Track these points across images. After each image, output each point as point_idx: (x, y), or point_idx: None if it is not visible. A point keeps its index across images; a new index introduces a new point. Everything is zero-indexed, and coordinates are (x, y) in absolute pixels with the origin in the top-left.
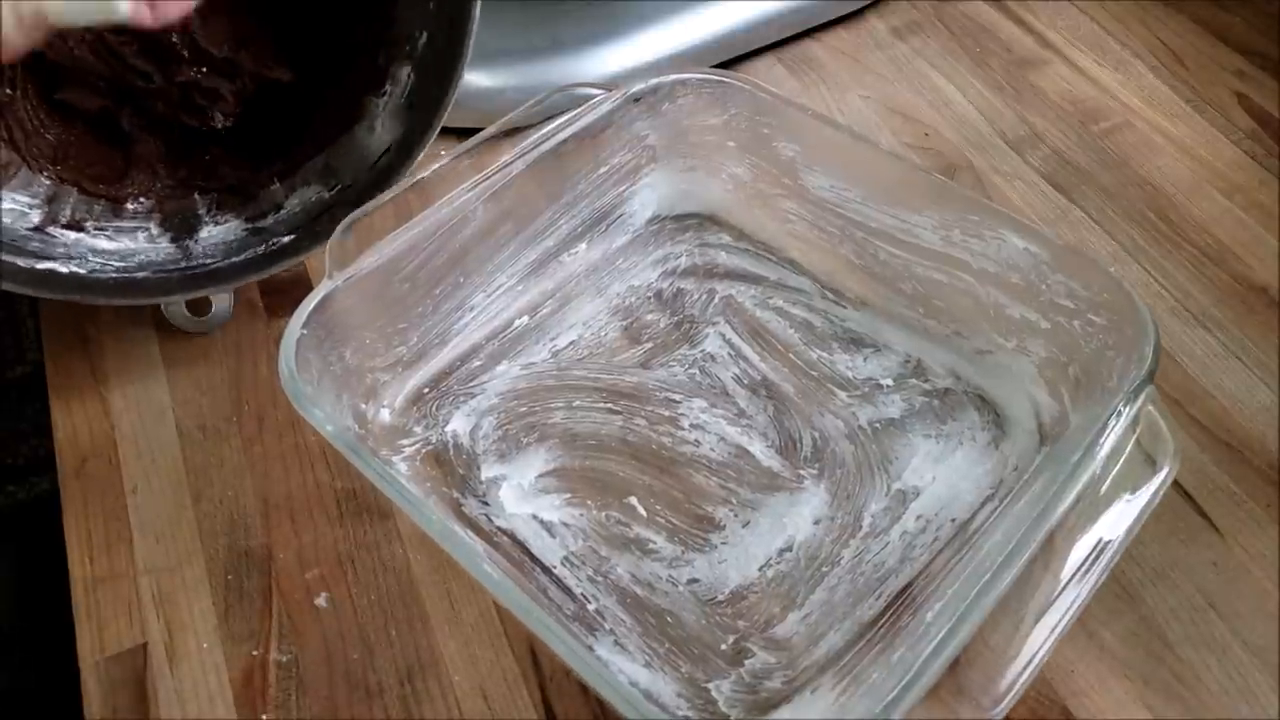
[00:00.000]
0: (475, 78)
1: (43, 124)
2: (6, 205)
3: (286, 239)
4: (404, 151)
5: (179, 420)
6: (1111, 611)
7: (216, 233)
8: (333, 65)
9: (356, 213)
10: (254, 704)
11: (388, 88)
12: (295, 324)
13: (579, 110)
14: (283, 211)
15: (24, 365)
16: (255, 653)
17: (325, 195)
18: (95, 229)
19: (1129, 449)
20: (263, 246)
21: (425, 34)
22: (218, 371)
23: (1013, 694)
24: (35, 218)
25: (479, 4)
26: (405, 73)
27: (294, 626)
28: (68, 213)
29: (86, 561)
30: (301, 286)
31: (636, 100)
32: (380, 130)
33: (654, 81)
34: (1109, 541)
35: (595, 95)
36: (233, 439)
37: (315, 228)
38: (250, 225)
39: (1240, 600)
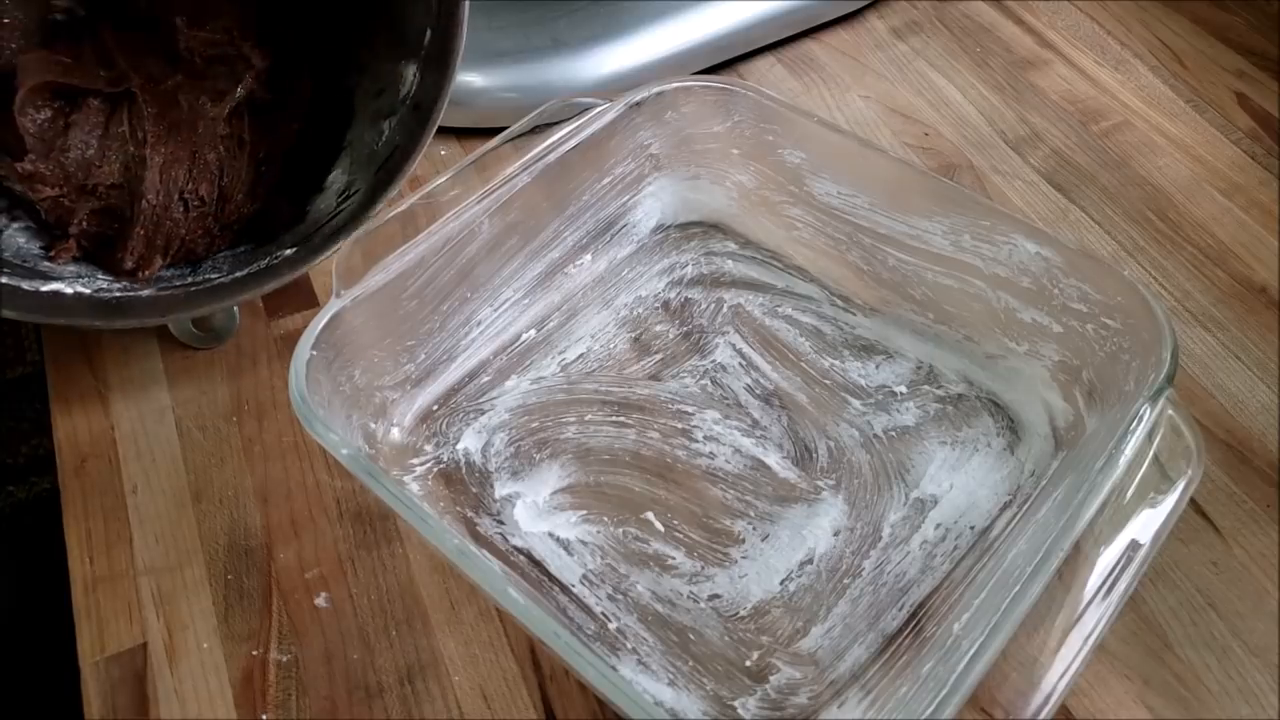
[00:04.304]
0: (475, 78)
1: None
2: (28, 224)
3: (289, 251)
4: (403, 154)
5: (179, 420)
6: None
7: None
8: (336, 69)
9: (363, 229)
10: (254, 704)
11: (399, 88)
12: (304, 345)
13: (583, 120)
14: None
15: (24, 365)
16: (255, 653)
17: (330, 204)
18: None
19: (1151, 453)
20: (265, 260)
21: (429, 30)
22: (218, 371)
23: (1049, 707)
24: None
25: None
26: (412, 71)
27: (294, 626)
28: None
29: (86, 561)
30: (300, 286)
31: (638, 107)
32: (389, 132)
33: (656, 89)
34: (1140, 546)
35: (599, 105)
36: (233, 439)
37: (316, 239)
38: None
39: (1240, 600)
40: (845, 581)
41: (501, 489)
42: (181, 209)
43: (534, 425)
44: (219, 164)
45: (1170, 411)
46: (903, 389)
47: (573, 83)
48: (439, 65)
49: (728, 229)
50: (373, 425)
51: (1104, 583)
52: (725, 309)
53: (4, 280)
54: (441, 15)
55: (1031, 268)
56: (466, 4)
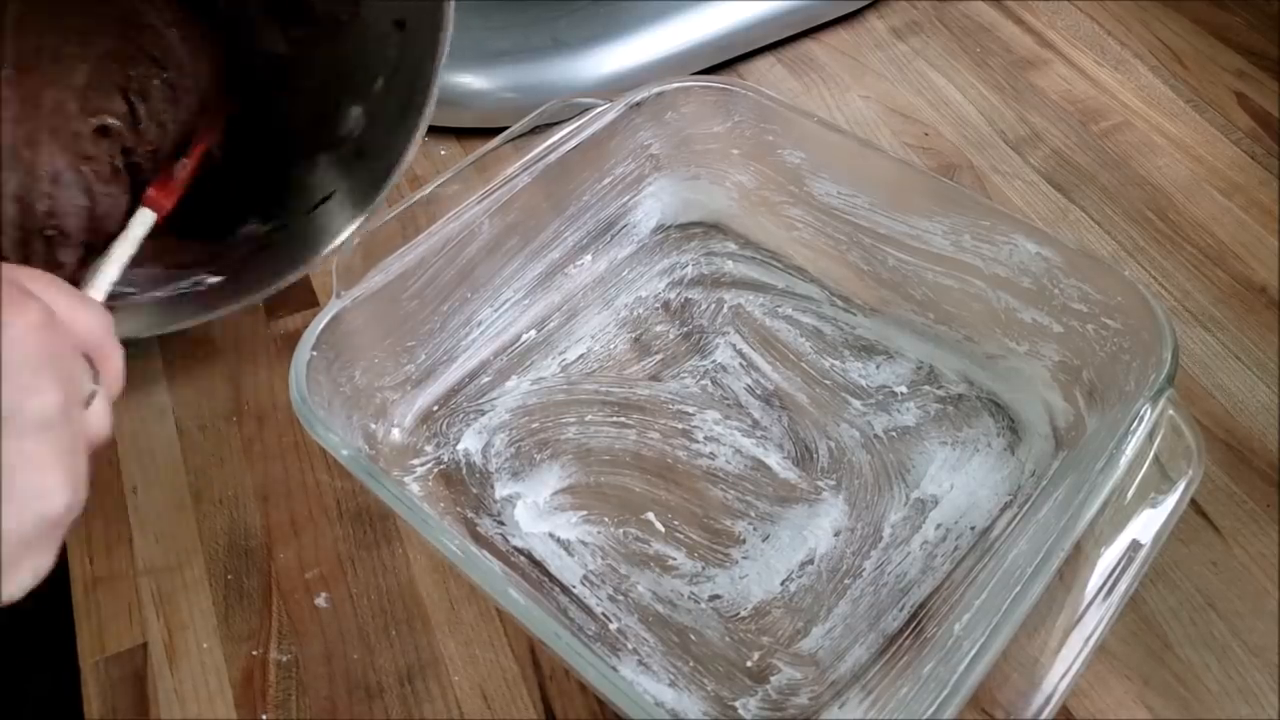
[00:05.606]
0: (474, 79)
1: None
2: None
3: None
4: (389, 164)
5: (179, 420)
6: None
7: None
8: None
9: (365, 229)
10: (254, 704)
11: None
12: (305, 346)
13: (583, 120)
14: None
15: None
16: (255, 653)
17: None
18: None
19: (1151, 454)
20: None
21: (383, 80)
22: (218, 371)
23: (1050, 707)
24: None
25: (444, 54)
26: (356, 114)
27: (294, 626)
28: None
29: (86, 561)
30: (300, 285)
31: (638, 107)
32: (322, 171)
33: (656, 89)
34: (1141, 546)
35: (599, 105)
36: (233, 439)
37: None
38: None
39: (1240, 600)
40: (846, 582)
41: (502, 489)
42: (42, 244)
43: (534, 426)
44: (84, 186)
45: (1170, 411)
46: (903, 389)
47: (573, 83)
48: (399, 120)
49: (728, 229)
50: (373, 426)
51: (1105, 583)
52: (725, 309)
53: None
54: (403, 68)
55: (1032, 268)
56: (442, 57)
